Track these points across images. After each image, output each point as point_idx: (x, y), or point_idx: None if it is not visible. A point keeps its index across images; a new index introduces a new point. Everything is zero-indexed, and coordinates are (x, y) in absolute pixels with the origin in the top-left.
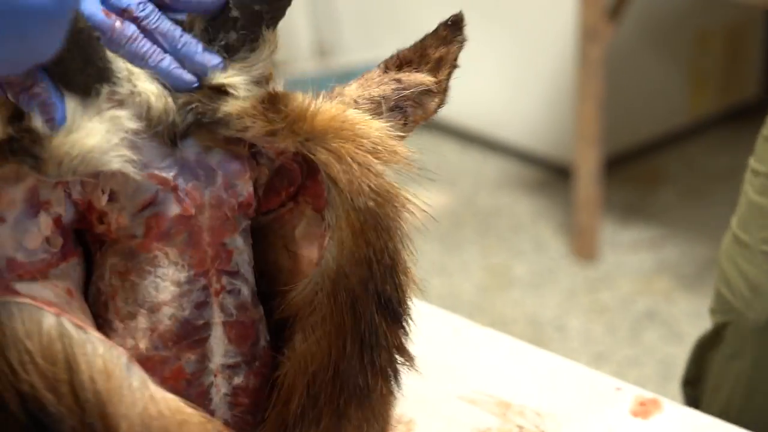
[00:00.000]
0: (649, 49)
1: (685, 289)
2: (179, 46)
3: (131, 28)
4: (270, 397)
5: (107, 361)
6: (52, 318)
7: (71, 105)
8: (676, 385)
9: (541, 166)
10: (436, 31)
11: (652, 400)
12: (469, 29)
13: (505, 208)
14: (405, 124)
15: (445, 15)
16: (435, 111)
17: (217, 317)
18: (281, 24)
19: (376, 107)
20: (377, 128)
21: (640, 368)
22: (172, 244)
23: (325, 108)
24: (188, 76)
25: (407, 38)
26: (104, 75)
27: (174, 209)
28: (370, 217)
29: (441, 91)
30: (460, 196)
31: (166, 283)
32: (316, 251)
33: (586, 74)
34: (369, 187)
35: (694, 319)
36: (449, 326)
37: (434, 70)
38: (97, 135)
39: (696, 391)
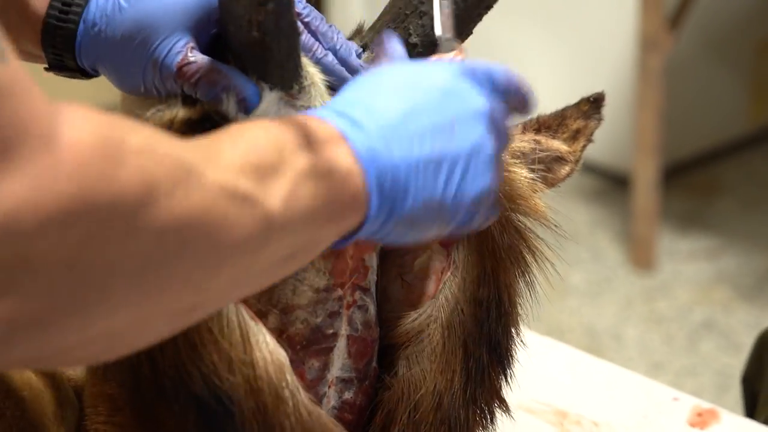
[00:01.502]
0: (709, 58)
1: (744, 299)
2: (337, 47)
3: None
4: (370, 419)
5: (278, 355)
6: (232, 305)
7: (270, 95)
8: (733, 396)
9: (599, 175)
10: (577, 104)
11: (709, 410)
12: (528, 37)
13: (562, 217)
14: None
15: (507, 27)
16: (564, 178)
17: (344, 330)
18: None
19: (517, 160)
20: (525, 176)
21: (697, 378)
22: None
23: None
24: (349, 75)
25: (465, 48)
26: (298, 74)
27: None
28: (507, 256)
29: (573, 161)
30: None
31: (304, 287)
32: (431, 285)
33: (645, 83)
34: (515, 225)
35: (753, 330)
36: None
37: (570, 140)
38: None
39: (755, 387)
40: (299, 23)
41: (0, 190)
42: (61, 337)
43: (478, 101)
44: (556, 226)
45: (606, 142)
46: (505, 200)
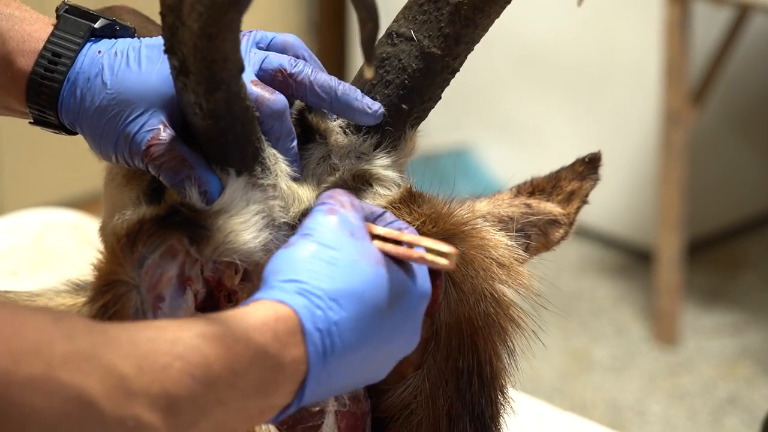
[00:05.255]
0: (733, 133)
1: None
2: (339, 94)
3: (281, 103)
4: None
5: None
6: None
7: (231, 184)
8: None
9: (622, 251)
10: (572, 165)
11: None
12: (552, 113)
13: (586, 292)
14: (526, 250)
15: (530, 101)
16: (558, 241)
17: (331, 406)
18: None
19: (504, 226)
20: (505, 244)
21: None
22: None
23: (458, 213)
24: (371, 108)
25: (490, 122)
26: (259, 155)
27: None
28: (485, 324)
29: (567, 224)
30: (541, 279)
31: None
32: (418, 355)
33: (669, 159)
34: (491, 294)
35: None
36: (530, 411)
37: (564, 202)
38: (252, 229)
39: None
40: (286, 104)
41: None
42: None
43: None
44: (537, 295)
45: (629, 217)
46: (480, 268)
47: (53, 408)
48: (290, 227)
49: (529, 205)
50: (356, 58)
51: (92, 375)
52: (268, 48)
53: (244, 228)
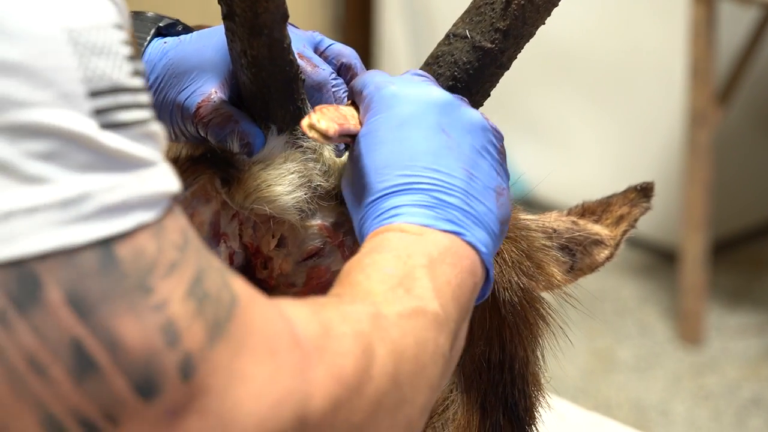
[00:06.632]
0: (758, 133)
1: None
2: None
3: (322, 75)
4: None
5: None
6: None
7: (271, 139)
8: None
9: (647, 250)
10: (625, 192)
11: None
12: (576, 112)
13: (610, 292)
14: (570, 269)
15: (555, 100)
16: (602, 263)
17: None
18: None
19: (547, 237)
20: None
21: None
22: None
23: None
24: None
25: (515, 121)
26: (300, 117)
27: (337, 264)
28: (511, 315)
29: (613, 246)
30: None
31: None
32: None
33: (694, 159)
34: (518, 284)
35: None
36: (554, 411)
37: (613, 226)
38: (286, 183)
39: None
40: (328, 77)
41: (303, 382)
42: None
43: (475, 114)
44: (570, 296)
45: (654, 217)
46: (509, 258)
47: (367, 326)
48: (330, 196)
49: (576, 222)
50: (382, 57)
51: (356, 300)
52: (324, 52)
53: (279, 182)
